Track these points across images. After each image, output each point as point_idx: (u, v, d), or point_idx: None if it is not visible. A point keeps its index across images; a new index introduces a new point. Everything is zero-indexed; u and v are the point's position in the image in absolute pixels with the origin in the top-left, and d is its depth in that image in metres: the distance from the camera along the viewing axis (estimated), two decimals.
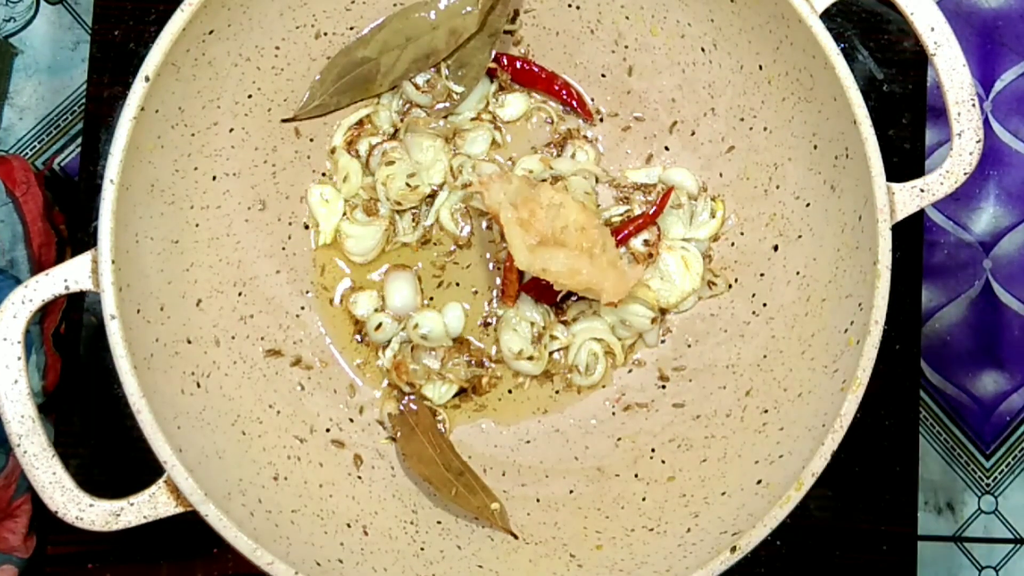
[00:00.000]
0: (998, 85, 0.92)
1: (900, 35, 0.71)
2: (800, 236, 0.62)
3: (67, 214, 0.80)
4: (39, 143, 0.86)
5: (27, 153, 0.86)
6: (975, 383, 0.93)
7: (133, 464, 0.66)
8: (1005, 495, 0.94)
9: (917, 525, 0.70)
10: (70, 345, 0.69)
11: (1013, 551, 0.94)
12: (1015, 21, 0.91)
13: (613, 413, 0.66)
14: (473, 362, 0.66)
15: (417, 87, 0.66)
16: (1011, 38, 0.90)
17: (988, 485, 0.94)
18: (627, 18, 0.65)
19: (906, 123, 0.70)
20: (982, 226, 0.91)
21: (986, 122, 0.91)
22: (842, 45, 0.55)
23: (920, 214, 0.70)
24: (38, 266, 0.75)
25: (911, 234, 0.70)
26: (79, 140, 0.82)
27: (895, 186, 0.56)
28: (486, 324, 0.66)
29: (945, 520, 0.94)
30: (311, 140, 0.66)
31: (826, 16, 0.56)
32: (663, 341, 0.66)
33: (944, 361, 0.93)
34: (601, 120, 0.68)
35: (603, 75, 0.67)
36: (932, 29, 0.56)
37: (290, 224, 0.66)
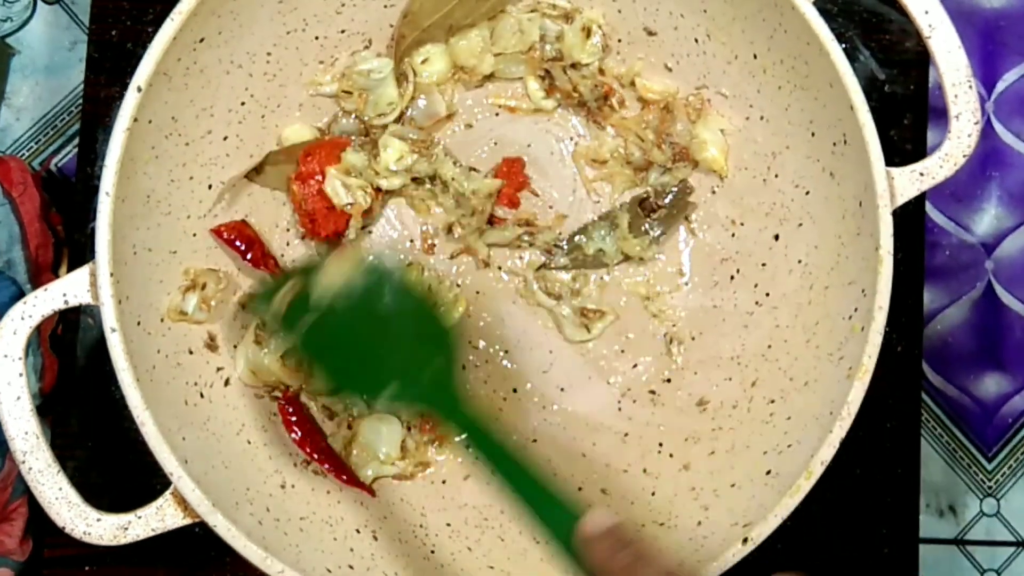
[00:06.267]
0: (1000, 86, 0.92)
1: (902, 35, 0.70)
2: (801, 224, 0.61)
3: (64, 215, 0.80)
4: (36, 143, 0.86)
5: (24, 154, 0.86)
6: (977, 385, 0.93)
7: (132, 466, 0.66)
8: (1007, 498, 0.94)
9: (919, 528, 0.69)
10: (67, 346, 0.68)
11: (1015, 554, 0.94)
12: (1017, 21, 0.91)
13: (619, 408, 0.66)
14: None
15: None
16: (1013, 38, 0.90)
17: (990, 488, 0.94)
18: (619, 12, 0.65)
19: (908, 124, 0.70)
20: (984, 227, 0.91)
21: (988, 123, 0.91)
22: (843, 45, 0.55)
23: (922, 215, 0.70)
24: (35, 267, 0.75)
25: (913, 235, 0.70)
26: (76, 140, 0.81)
27: (894, 171, 0.55)
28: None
29: (947, 523, 0.93)
30: None
31: (827, 16, 0.56)
32: None
33: (946, 363, 0.93)
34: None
35: None
36: (926, 12, 0.56)
37: (287, 231, 0.66)
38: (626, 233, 0.66)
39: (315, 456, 0.62)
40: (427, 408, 0.57)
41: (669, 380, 0.66)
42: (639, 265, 0.67)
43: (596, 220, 0.67)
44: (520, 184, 0.66)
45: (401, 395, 0.56)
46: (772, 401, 0.60)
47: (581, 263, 0.67)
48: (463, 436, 0.54)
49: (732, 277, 0.65)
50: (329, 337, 0.57)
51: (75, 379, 0.68)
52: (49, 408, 0.71)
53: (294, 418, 0.62)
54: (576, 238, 0.67)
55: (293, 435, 0.62)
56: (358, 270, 0.58)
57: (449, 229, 0.66)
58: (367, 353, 0.57)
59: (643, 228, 0.66)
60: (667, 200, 0.66)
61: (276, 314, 0.58)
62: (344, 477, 0.61)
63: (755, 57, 0.61)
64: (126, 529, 0.53)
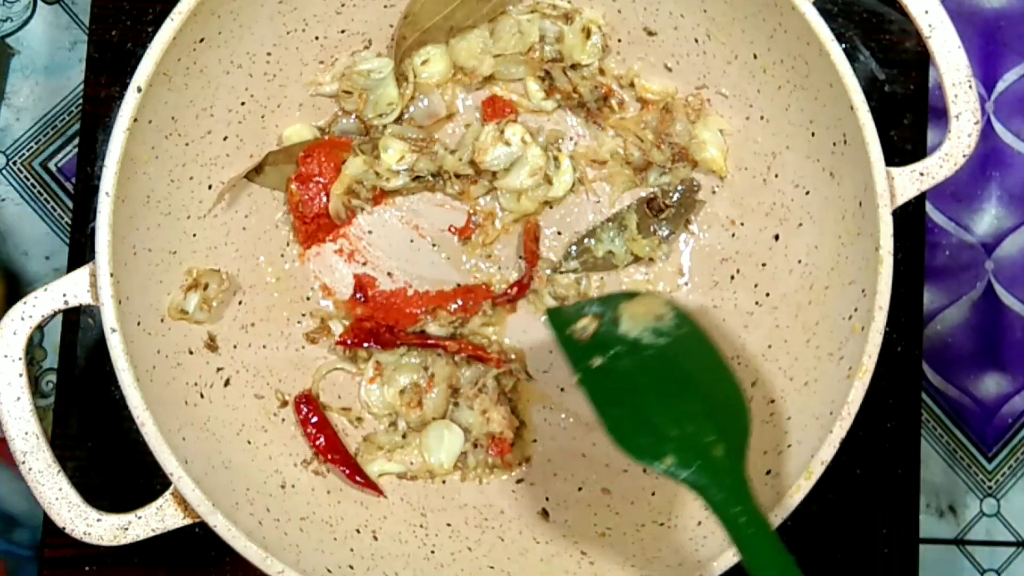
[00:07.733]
0: (1000, 86, 0.91)
1: (902, 35, 0.70)
2: (801, 224, 0.61)
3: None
4: (36, 143, 0.86)
5: (24, 154, 0.86)
6: (977, 385, 0.93)
7: (132, 466, 0.66)
8: (1007, 498, 0.94)
9: (919, 528, 0.70)
10: (67, 346, 0.68)
11: (1015, 554, 0.94)
12: (1017, 21, 0.90)
13: None
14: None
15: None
16: (1013, 38, 0.90)
17: (990, 488, 0.93)
18: (619, 12, 0.65)
19: (908, 124, 0.70)
20: (984, 227, 0.91)
21: (988, 123, 0.91)
22: (844, 45, 0.55)
23: (922, 215, 0.70)
24: None
25: (913, 235, 0.70)
26: (76, 140, 0.81)
27: (894, 171, 0.55)
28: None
29: (947, 523, 0.93)
30: None
31: (827, 16, 0.56)
32: None
33: (946, 363, 0.93)
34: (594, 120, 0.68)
35: None
36: (926, 12, 0.56)
37: (288, 230, 0.66)
38: (635, 234, 0.66)
39: (328, 456, 0.62)
40: (699, 494, 0.48)
41: None
42: (639, 265, 0.67)
43: (605, 222, 0.67)
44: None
45: (675, 472, 0.48)
46: (772, 401, 0.60)
47: (591, 266, 0.67)
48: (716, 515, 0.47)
49: (732, 277, 0.65)
50: (615, 382, 0.52)
51: (75, 379, 0.68)
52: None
53: (314, 418, 0.63)
54: (586, 241, 0.67)
55: (308, 432, 0.62)
56: (667, 315, 0.54)
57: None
58: (650, 412, 0.51)
59: (652, 228, 0.66)
60: (674, 199, 0.66)
61: (570, 342, 0.54)
62: (357, 478, 0.62)
63: (755, 57, 0.61)
64: (126, 529, 0.53)
